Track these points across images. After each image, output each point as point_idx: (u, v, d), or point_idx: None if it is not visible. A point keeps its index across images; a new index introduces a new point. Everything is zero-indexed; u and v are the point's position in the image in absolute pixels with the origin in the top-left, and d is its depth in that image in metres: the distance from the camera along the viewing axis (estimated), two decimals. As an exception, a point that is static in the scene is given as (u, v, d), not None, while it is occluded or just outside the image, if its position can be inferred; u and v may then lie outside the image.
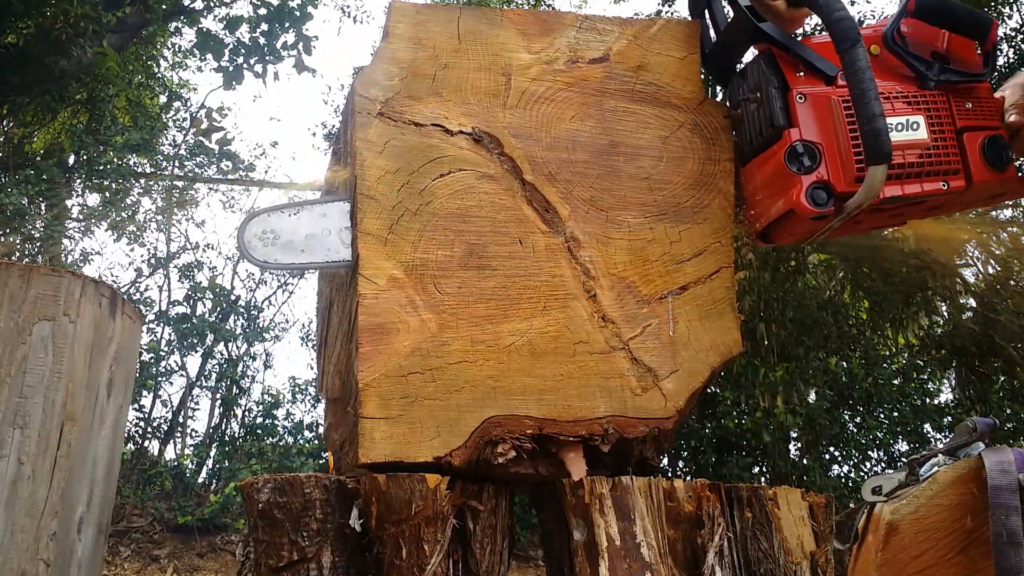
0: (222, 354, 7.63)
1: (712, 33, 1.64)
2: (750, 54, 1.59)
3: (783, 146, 1.44)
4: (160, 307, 7.62)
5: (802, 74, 1.48)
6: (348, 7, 11.82)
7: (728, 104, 1.61)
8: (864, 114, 1.33)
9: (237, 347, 7.74)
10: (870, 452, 6.77)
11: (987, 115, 1.51)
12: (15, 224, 6.91)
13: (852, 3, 10.79)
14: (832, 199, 1.41)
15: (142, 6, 7.78)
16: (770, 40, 1.49)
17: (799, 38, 1.51)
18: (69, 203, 7.81)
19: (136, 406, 7.06)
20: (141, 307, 7.29)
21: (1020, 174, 1.53)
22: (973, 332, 6.23)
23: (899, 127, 1.44)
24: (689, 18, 1.68)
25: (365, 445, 1.35)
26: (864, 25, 1.55)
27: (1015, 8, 6.74)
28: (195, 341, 7.26)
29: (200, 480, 7.13)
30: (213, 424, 7.57)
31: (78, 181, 7.93)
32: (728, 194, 1.57)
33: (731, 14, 1.56)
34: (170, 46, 9.85)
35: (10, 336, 1.52)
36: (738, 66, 1.60)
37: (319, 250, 1.48)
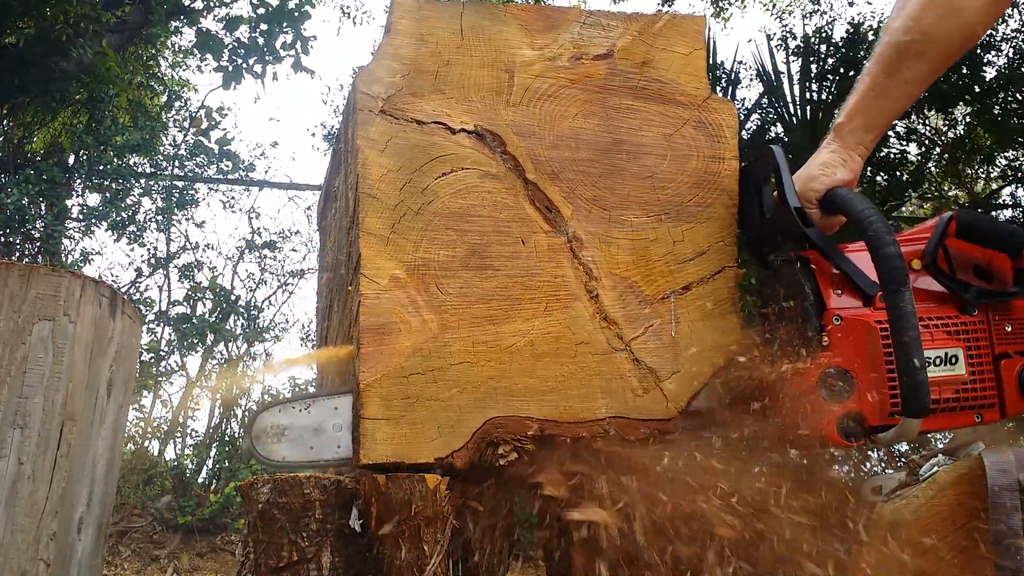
0: (222, 354, 7.62)
1: (756, 210, 1.55)
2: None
3: (816, 369, 1.34)
4: (160, 307, 7.61)
5: (840, 292, 1.39)
6: (348, 7, 11.80)
7: (759, 297, 1.54)
8: (906, 366, 1.24)
9: (237, 347, 7.73)
10: (870, 452, 6.75)
11: None
12: (15, 224, 6.90)
13: (851, 4, 10.70)
14: (863, 431, 1.33)
15: (143, 6, 7.76)
16: (813, 246, 1.42)
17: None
18: (69, 203, 7.79)
19: (136, 406, 7.04)
20: (141, 307, 7.27)
21: None
22: None
23: (937, 361, 1.35)
24: (694, 15, 1.67)
25: (367, 446, 1.35)
26: (908, 233, 1.47)
27: (1015, 8, 6.73)
28: (195, 341, 7.24)
29: (200, 480, 7.12)
30: (213, 424, 7.56)
31: (78, 181, 7.91)
32: (732, 193, 1.56)
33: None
34: (170, 46, 9.84)
35: (10, 336, 1.51)
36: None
37: (329, 447, 1.42)
